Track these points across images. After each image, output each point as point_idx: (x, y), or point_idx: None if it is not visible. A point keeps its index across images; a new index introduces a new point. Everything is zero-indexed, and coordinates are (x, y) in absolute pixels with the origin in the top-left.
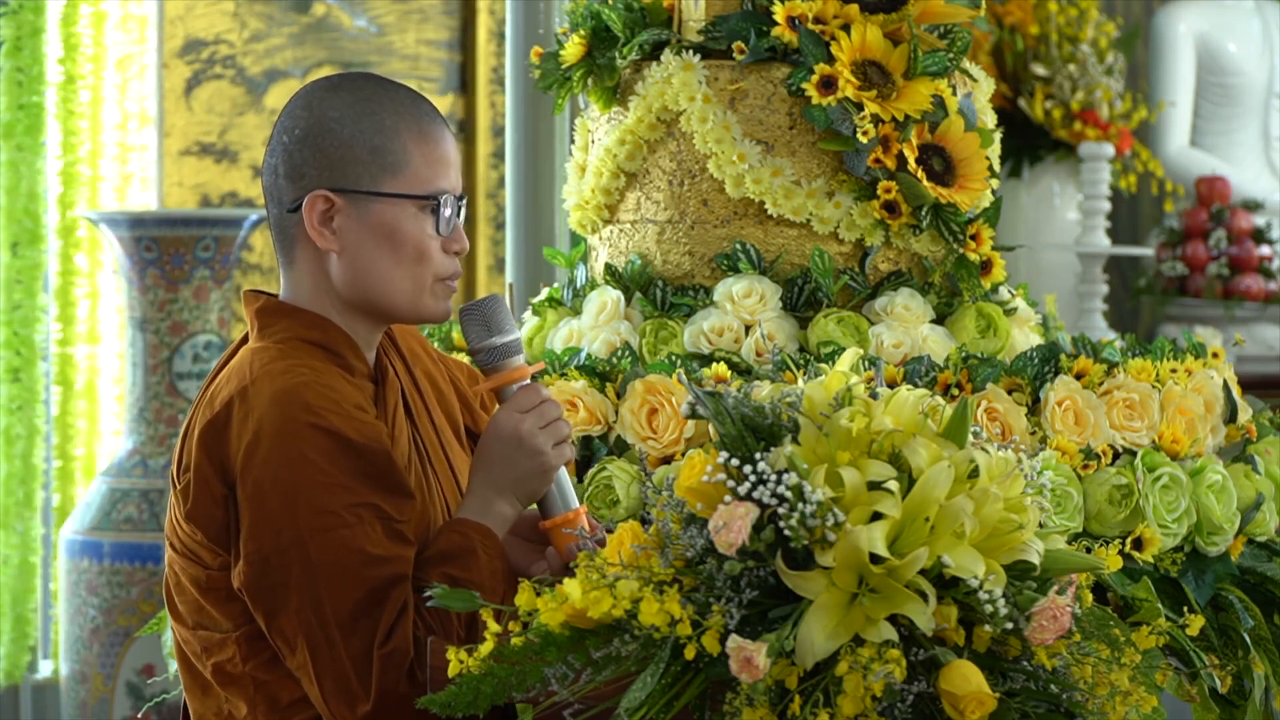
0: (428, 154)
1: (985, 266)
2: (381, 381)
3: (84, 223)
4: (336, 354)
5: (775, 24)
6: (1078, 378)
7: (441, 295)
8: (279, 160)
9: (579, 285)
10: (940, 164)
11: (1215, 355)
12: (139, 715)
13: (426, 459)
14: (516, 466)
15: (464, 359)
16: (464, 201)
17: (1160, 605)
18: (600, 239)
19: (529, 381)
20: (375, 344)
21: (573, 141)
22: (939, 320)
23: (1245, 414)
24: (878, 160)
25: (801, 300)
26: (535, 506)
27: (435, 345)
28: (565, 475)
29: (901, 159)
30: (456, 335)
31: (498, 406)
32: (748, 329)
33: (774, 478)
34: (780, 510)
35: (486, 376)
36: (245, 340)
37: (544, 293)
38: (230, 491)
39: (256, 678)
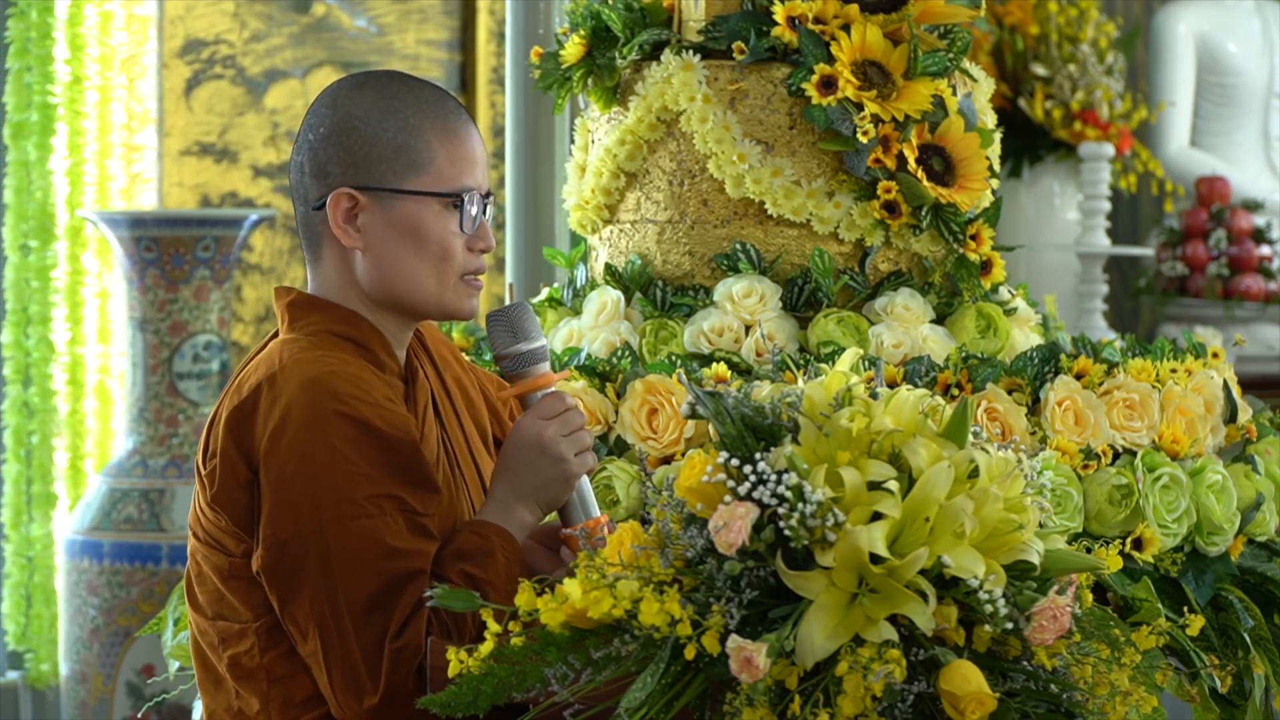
0: (452, 151)
1: (985, 266)
2: (411, 381)
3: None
4: (368, 349)
5: (775, 24)
6: (1078, 378)
7: (466, 292)
8: (305, 158)
9: (579, 285)
10: (940, 164)
11: (1215, 355)
12: (139, 715)
13: (454, 461)
14: (539, 473)
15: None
16: (490, 199)
17: (1160, 605)
18: (600, 239)
19: (553, 389)
20: (405, 342)
21: (573, 141)
22: (939, 320)
23: (1245, 414)
24: (878, 160)
25: (801, 300)
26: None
27: None
28: (587, 484)
29: (901, 159)
30: (457, 335)
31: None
32: (748, 329)
33: (774, 478)
34: (780, 510)
35: (511, 383)
36: (276, 335)
37: (544, 293)
38: (255, 476)
39: (272, 672)
